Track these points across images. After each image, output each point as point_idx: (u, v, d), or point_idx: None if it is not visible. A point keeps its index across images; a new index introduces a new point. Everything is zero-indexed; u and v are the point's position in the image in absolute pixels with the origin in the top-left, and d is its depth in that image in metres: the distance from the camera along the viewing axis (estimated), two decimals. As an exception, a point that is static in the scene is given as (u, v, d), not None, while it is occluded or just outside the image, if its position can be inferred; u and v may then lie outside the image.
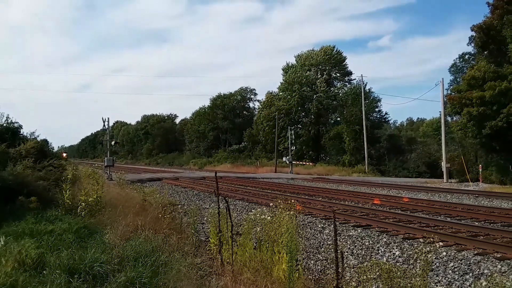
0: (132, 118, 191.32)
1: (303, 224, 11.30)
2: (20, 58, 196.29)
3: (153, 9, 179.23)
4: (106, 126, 31.73)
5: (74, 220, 9.33)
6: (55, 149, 25.74)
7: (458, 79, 42.72)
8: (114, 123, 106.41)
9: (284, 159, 46.28)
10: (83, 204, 10.53)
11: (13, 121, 21.11)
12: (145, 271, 5.80)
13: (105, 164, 29.90)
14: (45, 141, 24.57)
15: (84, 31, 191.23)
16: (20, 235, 7.46)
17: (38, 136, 22.13)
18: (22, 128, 21.66)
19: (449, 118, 40.31)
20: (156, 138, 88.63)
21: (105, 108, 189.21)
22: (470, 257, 7.73)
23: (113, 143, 35.50)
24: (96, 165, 43.20)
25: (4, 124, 20.61)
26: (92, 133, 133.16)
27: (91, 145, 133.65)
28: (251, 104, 74.83)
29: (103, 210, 10.59)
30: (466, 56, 45.77)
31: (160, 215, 10.26)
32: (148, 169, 52.88)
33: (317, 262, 8.60)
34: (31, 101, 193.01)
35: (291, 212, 6.34)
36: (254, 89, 73.96)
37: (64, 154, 45.36)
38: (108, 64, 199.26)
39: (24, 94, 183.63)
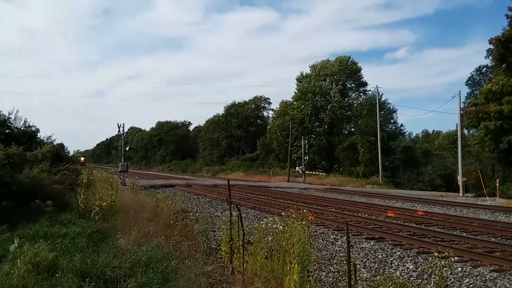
0: (147, 124, 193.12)
1: (315, 235, 11.20)
2: (38, 63, 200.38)
3: (170, 17, 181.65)
4: (121, 132, 32.11)
5: (87, 224, 9.39)
6: (71, 153, 26.04)
7: (475, 92, 42.22)
8: (128, 129, 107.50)
9: (297, 168, 46.11)
10: (97, 208, 10.60)
11: (30, 124, 21.46)
12: (156, 277, 5.79)
13: (119, 169, 30.19)
14: (61, 145, 24.88)
15: (101, 38, 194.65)
16: (34, 237, 7.53)
17: (54, 140, 22.42)
18: (39, 132, 21.99)
19: (465, 131, 39.77)
20: (170, 145, 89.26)
21: (120, 114, 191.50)
22: (486, 273, 7.55)
23: (127, 148, 35.90)
24: (110, 170, 43.65)
25: (22, 128, 20.96)
26: (107, 139, 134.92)
27: (106, 150, 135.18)
28: (265, 113, 75.10)
29: (116, 215, 10.64)
30: (484, 69, 45.31)
31: (172, 222, 10.29)
32: (161, 175, 53.22)
33: (329, 274, 8.49)
34: (48, 106, 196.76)
35: (303, 222, 6.29)
36: (268, 98, 74.25)
37: (82, 158, 45.94)
38: (124, 70, 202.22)
39: (42, 98, 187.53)
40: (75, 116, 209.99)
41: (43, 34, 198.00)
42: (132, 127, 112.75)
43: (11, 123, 20.35)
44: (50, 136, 22.31)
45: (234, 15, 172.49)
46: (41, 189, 11.46)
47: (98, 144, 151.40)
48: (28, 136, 20.63)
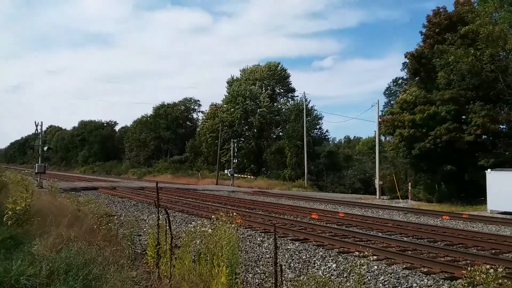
0: (68, 123, 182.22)
1: (242, 238, 11.34)
2: None
3: (96, 11, 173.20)
4: (39, 130, 29.93)
5: (-2, 230, 8.65)
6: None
7: (391, 102, 45.36)
8: (47, 128, 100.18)
9: (226, 171, 46.28)
10: (10, 212, 9.80)
11: None
12: (76, 285, 5.50)
13: (36, 171, 28.08)
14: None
15: (17, 29, 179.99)
16: None
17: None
18: None
19: (383, 138, 42.60)
20: (93, 145, 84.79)
21: (38, 111, 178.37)
22: (399, 271, 8.18)
23: (45, 148, 33.43)
24: (25, 171, 40.51)
25: None
26: (22, 137, 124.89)
27: (21, 150, 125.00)
28: (194, 115, 74.42)
29: (32, 220, 9.92)
30: (399, 81, 48.85)
31: (95, 226, 9.83)
32: (83, 177, 50.46)
33: (255, 276, 8.66)
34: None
35: (233, 225, 6.37)
36: (198, 100, 73.71)
37: None
38: (44, 65, 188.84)
39: None
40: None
41: None
42: (51, 126, 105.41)
43: None
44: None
45: (165, 14, 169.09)
46: None
47: (11, 143, 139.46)
48: None
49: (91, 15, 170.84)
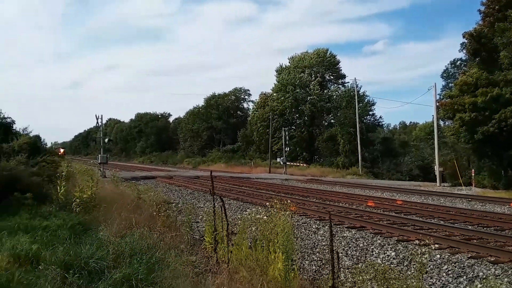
0: (125, 116, 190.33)
1: (297, 225, 11.33)
2: (13, 54, 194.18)
3: (146, 7, 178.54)
4: (100, 123, 31.54)
5: (68, 216, 9.27)
6: (48, 145, 25.44)
7: (450, 85, 43.08)
8: (107, 121, 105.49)
9: (278, 159, 46.36)
10: (78, 200, 10.47)
11: (5, 116, 20.87)
12: (141, 267, 5.77)
13: (99, 161, 29.73)
14: (38, 137, 24.33)
15: (76, 28, 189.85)
16: (14, 230, 7.41)
17: (30, 132, 21.93)
18: (14, 123, 21.39)
19: (441, 123, 40.63)
20: (150, 136, 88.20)
21: (98, 106, 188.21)
22: (464, 260, 7.80)
23: (106, 140, 35.25)
24: (89, 162, 42.90)
25: (-3, 119, 20.40)
26: (85, 130, 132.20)
27: (84, 142, 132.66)
28: (245, 105, 74.93)
29: (97, 207, 10.54)
30: (458, 62, 46.23)
31: (155, 213, 10.24)
32: (141, 167, 52.68)
33: (312, 263, 8.62)
34: (24, 97, 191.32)
35: (287, 212, 6.36)
36: (248, 90, 74.09)
37: (62, 150, 44.74)
38: (101, 61, 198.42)
39: (17, 90, 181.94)
40: (52, 108, 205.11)
41: (15, 23, 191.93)
42: (110, 119, 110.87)
43: (-16, 115, 19.80)
44: (26, 128, 21.81)
45: (212, 6, 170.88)
46: (19, 181, 11.24)
47: (76, 136, 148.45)
48: (4, 128, 20.08)
49: (142, 11, 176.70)
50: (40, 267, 5.49)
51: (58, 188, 11.22)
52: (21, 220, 8.17)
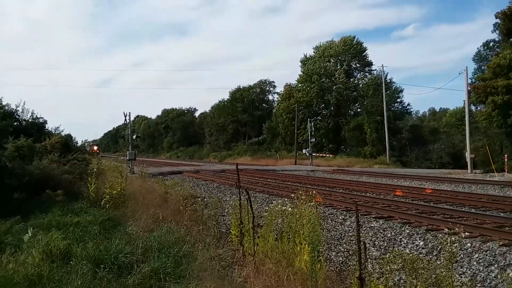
0: (153, 112, 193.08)
1: (324, 216, 11.26)
2: (42, 54, 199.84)
3: (171, 2, 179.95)
4: (128, 121, 32.14)
5: (98, 212, 9.54)
6: (79, 143, 26.12)
7: (482, 68, 41.62)
8: (135, 118, 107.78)
9: (304, 151, 46.08)
10: (107, 196, 10.75)
11: (38, 116, 21.56)
12: (169, 261, 5.89)
13: (127, 158, 30.40)
14: (69, 136, 25.03)
15: (103, 26, 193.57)
16: (47, 227, 7.67)
17: (62, 131, 22.52)
18: (46, 123, 22.07)
19: (473, 108, 39.36)
20: (176, 131, 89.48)
21: (126, 103, 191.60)
22: (495, 248, 7.57)
23: (134, 137, 36.04)
24: (118, 159, 43.87)
25: (30, 120, 21.08)
26: (114, 128, 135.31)
27: (113, 140, 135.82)
28: (270, 97, 74.70)
29: (126, 203, 10.79)
30: (491, 44, 44.56)
31: (182, 207, 10.41)
32: (168, 162, 53.50)
33: (339, 254, 8.57)
34: (54, 96, 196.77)
35: (313, 203, 6.33)
36: (273, 82, 73.75)
37: (95, 147, 45.78)
38: (128, 58, 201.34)
39: (47, 89, 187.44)
40: (82, 106, 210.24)
41: (46, 23, 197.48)
42: (138, 116, 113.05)
43: (19, 116, 20.47)
44: (57, 127, 22.43)
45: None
46: (51, 179, 11.62)
47: (105, 134, 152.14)
48: (37, 128, 20.76)
49: (166, 6, 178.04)
50: (71, 262, 5.67)
51: (89, 185, 11.53)
52: (53, 216, 8.45)
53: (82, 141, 29.27)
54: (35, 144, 16.05)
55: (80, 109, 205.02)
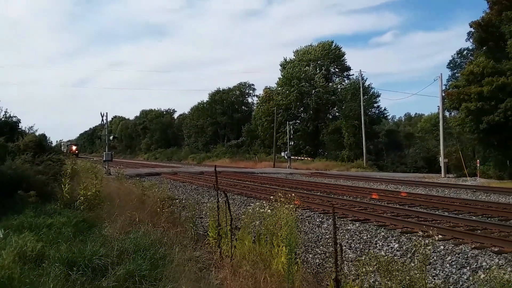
0: (131, 113, 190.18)
1: (301, 219, 11.34)
2: (18, 53, 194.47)
3: (151, 3, 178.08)
4: (105, 121, 31.64)
5: (73, 214, 9.33)
6: (53, 143, 25.58)
7: (456, 75, 42.74)
8: (112, 118, 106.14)
9: (282, 154, 46.32)
10: (82, 198, 10.53)
11: (11, 115, 21.00)
12: (144, 264, 5.80)
13: (104, 159, 29.87)
14: (43, 136, 24.49)
15: (81, 26, 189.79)
16: (19, 228, 7.45)
17: (36, 130, 22.03)
18: (20, 122, 21.53)
19: (447, 114, 40.36)
20: (155, 133, 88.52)
21: (103, 103, 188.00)
22: (468, 251, 7.78)
23: (111, 138, 35.40)
24: (94, 159, 43.07)
25: (3, 118, 20.50)
26: (90, 128, 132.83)
27: (89, 140, 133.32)
28: (249, 99, 74.81)
29: (101, 204, 10.59)
30: (465, 52, 45.82)
31: (159, 209, 10.27)
32: (146, 164, 52.87)
33: (316, 256, 8.64)
34: (29, 96, 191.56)
35: (291, 206, 6.36)
36: (253, 84, 73.94)
37: (74, 147, 44.56)
38: (106, 58, 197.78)
39: (22, 88, 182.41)
40: (57, 106, 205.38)
41: (22, 22, 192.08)
42: (115, 116, 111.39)
43: (-10, 115, 19.92)
44: (31, 127, 21.92)
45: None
46: (24, 180, 11.30)
47: (81, 134, 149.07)
48: (9, 127, 20.20)
49: (146, 7, 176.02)
50: (44, 264, 5.53)
51: (63, 186, 11.27)
52: (26, 218, 8.22)
53: (57, 141, 28.66)
54: (8, 144, 15.61)
55: (56, 109, 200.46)
